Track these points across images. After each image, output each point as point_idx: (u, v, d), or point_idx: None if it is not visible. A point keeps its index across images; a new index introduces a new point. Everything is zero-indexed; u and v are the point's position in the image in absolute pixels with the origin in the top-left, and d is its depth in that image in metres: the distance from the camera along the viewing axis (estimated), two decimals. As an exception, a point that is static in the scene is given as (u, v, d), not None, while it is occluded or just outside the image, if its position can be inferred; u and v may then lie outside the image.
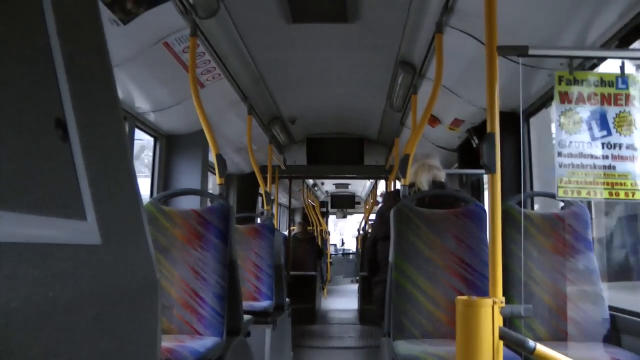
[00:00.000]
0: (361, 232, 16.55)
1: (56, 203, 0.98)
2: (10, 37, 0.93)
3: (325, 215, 20.91)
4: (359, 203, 20.56)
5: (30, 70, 0.99)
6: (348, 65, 6.02)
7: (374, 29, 4.98)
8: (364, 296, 11.87)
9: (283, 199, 14.71)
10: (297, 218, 14.90)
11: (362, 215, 18.44)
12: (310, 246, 13.51)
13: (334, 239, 26.24)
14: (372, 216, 13.10)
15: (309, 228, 14.73)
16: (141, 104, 4.92)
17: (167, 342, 3.15)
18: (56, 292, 0.91)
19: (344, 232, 31.52)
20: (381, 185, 13.78)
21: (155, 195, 5.61)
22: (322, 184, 17.39)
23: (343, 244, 28.43)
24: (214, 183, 4.51)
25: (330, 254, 20.81)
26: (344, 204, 20.78)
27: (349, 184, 17.78)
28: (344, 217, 23.59)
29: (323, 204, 20.60)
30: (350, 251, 24.79)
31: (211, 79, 5.16)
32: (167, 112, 5.20)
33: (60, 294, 0.92)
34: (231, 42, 5.07)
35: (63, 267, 0.95)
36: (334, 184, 17.85)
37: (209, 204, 4.25)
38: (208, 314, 3.61)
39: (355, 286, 17.49)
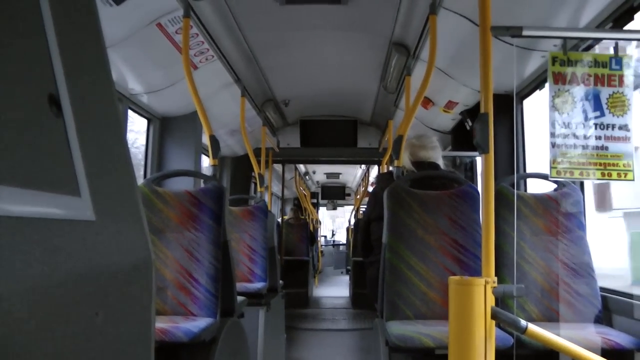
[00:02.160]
0: (352, 219, 16.58)
1: (50, 178, 0.98)
2: (3, 15, 0.93)
3: (316, 206, 20.89)
4: (349, 195, 20.57)
5: (23, 46, 0.99)
6: (341, 46, 6.01)
7: (368, 10, 4.96)
8: (357, 281, 11.93)
9: (275, 188, 14.72)
10: (288, 211, 14.93)
11: (352, 206, 18.45)
12: (302, 232, 13.54)
13: (324, 231, 26.32)
14: (363, 209, 13.11)
15: (301, 216, 14.75)
16: (134, 85, 4.90)
17: (161, 323, 3.16)
18: (51, 267, 0.91)
19: (337, 228, 31.56)
20: (373, 173, 13.79)
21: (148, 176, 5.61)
22: (314, 172, 17.38)
23: (334, 235, 28.43)
24: (207, 166, 4.51)
25: (321, 245, 20.83)
26: (335, 195, 20.77)
27: (340, 174, 17.77)
28: (334, 208, 23.52)
29: (314, 195, 20.59)
30: (341, 242, 24.80)
31: (204, 60, 5.14)
32: (161, 94, 5.18)
33: (55, 269, 0.92)
34: (224, 24, 5.05)
35: (57, 243, 0.95)
36: (325, 173, 17.83)
37: (202, 186, 4.25)
38: (202, 295, 3.62)
39: (346, 277, 17.57)
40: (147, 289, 1.35)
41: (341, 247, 23.41)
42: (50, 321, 0.90)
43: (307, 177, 17.54)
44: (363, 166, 14.32)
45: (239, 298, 4.21)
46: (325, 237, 26.22)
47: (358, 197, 16.51)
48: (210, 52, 5.05)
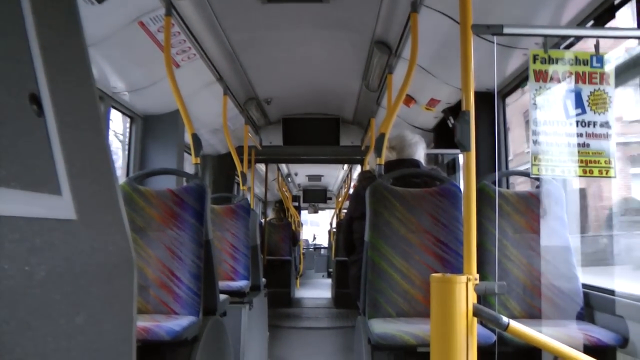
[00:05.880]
0: (334, 219, 16.59)
1: (31, 177, 0.98)
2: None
3: (297, 209, 20.87)
4: (330, 198, 20.57)
5: (4, 46, 0.98)
6: (323, 45, 6.00)
7: (349, 8, 4.96)
8: (339, 281, 11.96)
9: (257, 189, 14.70)
10: (270, 212, 14.94)
11: (334, 209, 18.45)
12: (285, 232, 13.54)
13: (306, 234, 26.37)
14: (345, 211, 13.10)
15: (283, 217, 14.75)
16: (116, 84, 4.88)
17: (143, 322, 3.15)
18: (32, 266, 0.91)
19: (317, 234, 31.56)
20: (355, 174, 13.80)
21: (130, 175, 5.59)
22: (296, 174, 17.36)
23: (315, 238, 28.41)
24: (190, 165, 4.51)
25: (303, 248, 20.86)
26: (316, 198, 20.74)
27: (322, 176, 17.74)
28: (316, 212, 23.50)
29: (295, 198, 20.57)
30: (322, 246, 24.82)
31: (186, 59, 5.12)
32: (143, 93, 5.16)
33: (36, 268, 0.92)
34: (206, 22, 5.03)
35: (39, 242, 0.95)
36: (307, 176, 17.80)
37: (184, 185, 4.24)
38: (184, 294, 3.61)
39: (327, 280, 17.57)
40: (129, 288, 1.35)
41: (322, 251, 23.43)
42: (31, 321, 0.89)
43: (289, 179, 17.52)
44: (345, 167, 14.32)
45: (222, 296, 4.21)
46: (307, 240, 26.27)
47: (340, 199, 16.51)
48: (192, 50, 5.03)
